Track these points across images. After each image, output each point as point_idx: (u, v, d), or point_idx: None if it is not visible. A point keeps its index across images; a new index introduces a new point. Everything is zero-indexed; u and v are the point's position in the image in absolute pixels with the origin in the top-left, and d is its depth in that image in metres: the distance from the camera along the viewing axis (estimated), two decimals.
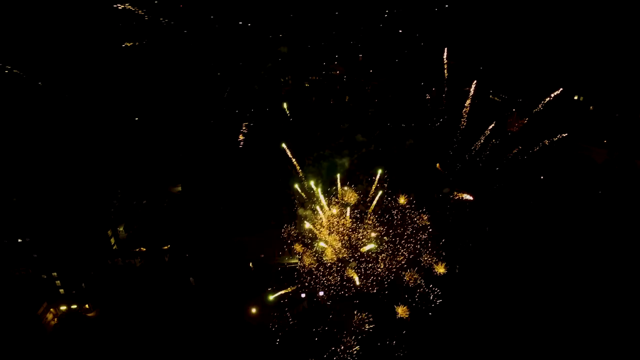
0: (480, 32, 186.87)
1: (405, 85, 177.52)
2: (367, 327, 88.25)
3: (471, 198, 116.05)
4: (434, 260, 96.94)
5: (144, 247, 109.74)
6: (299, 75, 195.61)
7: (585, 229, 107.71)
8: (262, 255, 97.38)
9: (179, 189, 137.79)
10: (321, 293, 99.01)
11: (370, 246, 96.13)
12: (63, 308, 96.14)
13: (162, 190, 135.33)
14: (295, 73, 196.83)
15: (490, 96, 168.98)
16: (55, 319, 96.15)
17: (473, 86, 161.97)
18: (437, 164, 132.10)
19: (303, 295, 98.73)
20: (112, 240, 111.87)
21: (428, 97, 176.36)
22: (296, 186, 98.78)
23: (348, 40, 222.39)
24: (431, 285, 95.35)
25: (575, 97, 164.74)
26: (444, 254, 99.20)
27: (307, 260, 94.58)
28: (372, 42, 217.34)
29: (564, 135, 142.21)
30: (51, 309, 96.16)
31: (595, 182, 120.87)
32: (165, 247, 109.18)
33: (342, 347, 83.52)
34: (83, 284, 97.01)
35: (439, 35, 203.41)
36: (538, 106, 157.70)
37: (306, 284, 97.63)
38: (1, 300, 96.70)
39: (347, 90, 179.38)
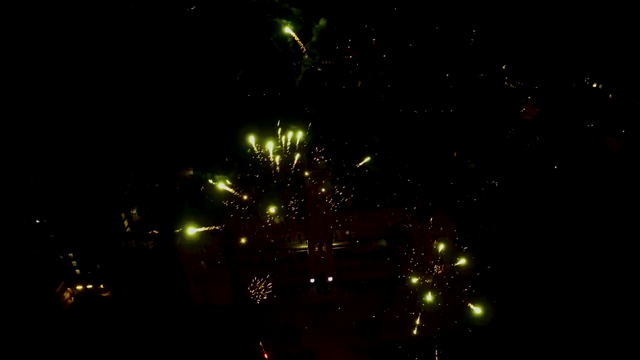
0: (497, 17, 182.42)
1: (418, 71, 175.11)
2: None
3: None
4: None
5: (156, 230, 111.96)
6: (312, 59, 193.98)
7: (599, 220, 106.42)
8: (272, 241, 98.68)
9: (191, 172, 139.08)
10: (330, 279, 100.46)
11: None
12: (79, 288, 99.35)
13: (173, 174, 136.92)
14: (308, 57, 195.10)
15: (505, 83, 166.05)
16: (72, 298, 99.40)
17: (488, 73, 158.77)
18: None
19: (312, 281, 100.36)
20: (126, 223, 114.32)
21: (442, 82, 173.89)
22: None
23: (362, 24, 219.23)
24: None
25: (594, 85, 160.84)
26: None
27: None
28: (386, 26, 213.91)
29: (580, 124, 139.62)
30: (68, 288, 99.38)
31: (610, 173, 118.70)
32: (177, 231, 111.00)
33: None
34: (98, 265, 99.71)
35: (454, 20, 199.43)
36: (554, 94, 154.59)
37: (315, 269, 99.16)
38: (22, 278, 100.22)
39: (360, 75, 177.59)
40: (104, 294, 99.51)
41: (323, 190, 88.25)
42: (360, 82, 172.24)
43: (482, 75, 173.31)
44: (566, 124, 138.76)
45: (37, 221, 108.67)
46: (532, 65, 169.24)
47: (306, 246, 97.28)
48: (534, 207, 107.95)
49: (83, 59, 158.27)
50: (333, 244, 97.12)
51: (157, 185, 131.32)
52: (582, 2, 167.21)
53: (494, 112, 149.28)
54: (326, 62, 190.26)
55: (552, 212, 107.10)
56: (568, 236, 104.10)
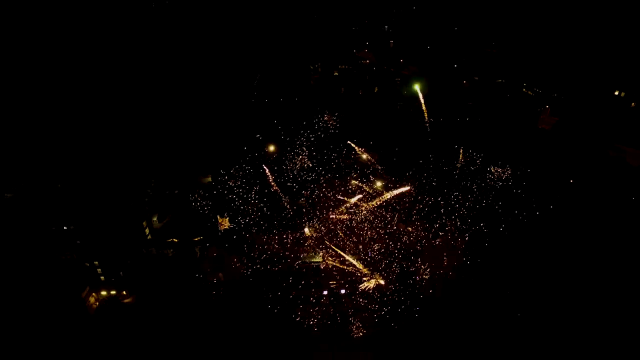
0: (515, 20, 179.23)
1: (436, 76, 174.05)
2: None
3: None
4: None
5: (176, 239, 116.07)
6: (329, 63, 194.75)
7: (615, 238, 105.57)
8: (287, 253, 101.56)
9: (209, 179, 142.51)
10: (342, 291, 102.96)
11: None
12: (103, 293, 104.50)
13: (192, 181, 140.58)
14: (325, 60, 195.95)
15: (524, 89, 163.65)
16: (97, 303, 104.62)
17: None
18: None
19: (325, 293, 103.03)
20: (147, 231, 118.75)
21: (459, 88, 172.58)
22: None
23: (380, 26, 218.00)
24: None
25: (616, 93, 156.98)
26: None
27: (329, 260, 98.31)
28: (404, 27, 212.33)
29: (599, 134, 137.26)
30: (93, 294, 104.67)
31: (629, 189, 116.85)
32: (197, 239, 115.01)
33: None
34: (121, 272, 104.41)
35: (473, 22, 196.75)
36: (573, 102, 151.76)
37: (328, 282, 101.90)
38: (50, 281, 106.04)
39: (377, 80, 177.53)
40: (127, 300, 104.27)
41: None
42: (377, 88, 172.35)
43: (500, 81, 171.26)
44: (584, 135, 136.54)
45: (65, 227, 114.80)
46: (552, 71, 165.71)
47: (320, 260, 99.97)
48: (546, 223, 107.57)
49: (111, 67, 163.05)
50: (346, 257, 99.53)
51: (176, 192, 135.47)
52: (604, 6, 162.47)
53: (510, 120, 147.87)
54: (343, 66, 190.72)
55: (566, 229, 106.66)
56: (582, 254, 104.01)
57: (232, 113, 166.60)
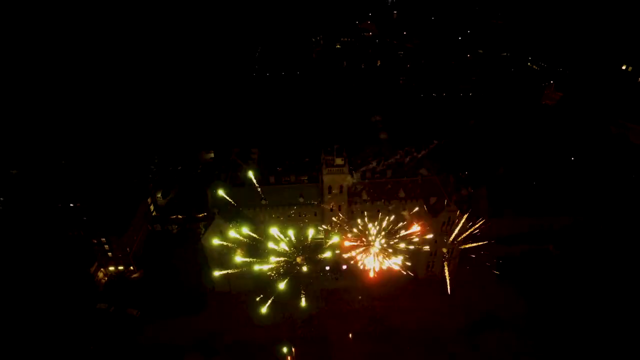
0: None
1: (439, 50, 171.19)
2: None
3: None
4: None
5: (180, 215, 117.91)
6: (331, 35, 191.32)
7: (614, 216, 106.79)
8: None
9: (212, 155, 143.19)
10: (344, 267, 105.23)
11: None
12: (111, 269, 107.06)
13: (194, 157, 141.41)
14: (327, 33, 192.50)
15: (529, 64, 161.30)
16: (106, 278, 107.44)
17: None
18: None
19: (327, 268, 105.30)
20: (152, 207, 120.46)
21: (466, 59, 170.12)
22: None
23: None
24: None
25: (623, 67, 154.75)
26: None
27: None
28: None
29: (603, 111, 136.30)
30: (101, 269, 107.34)
31: (630, 167, 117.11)
32: (200, 215, 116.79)
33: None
34: (128, 248, 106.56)
35: None
36: (579, 77, 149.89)
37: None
38: (60, 257, 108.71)
39: (380, 53, 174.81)
40: (134, 275, 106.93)
41: (340, 184, 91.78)
42: (379, 62, 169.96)
43: (505, 54, 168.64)
44: (589, 111, 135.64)
45: (71, 205, 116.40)
46: (558, 45, 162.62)
47: (322, 236, 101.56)
48: (545, 200, 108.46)
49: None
50: (348, 235, 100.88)
51: (179, 167, 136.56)
52: None
53: (514, 96, 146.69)
54: (345, 39, 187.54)
55: (564, 207, 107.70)
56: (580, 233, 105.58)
57: (233, 87, 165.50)
